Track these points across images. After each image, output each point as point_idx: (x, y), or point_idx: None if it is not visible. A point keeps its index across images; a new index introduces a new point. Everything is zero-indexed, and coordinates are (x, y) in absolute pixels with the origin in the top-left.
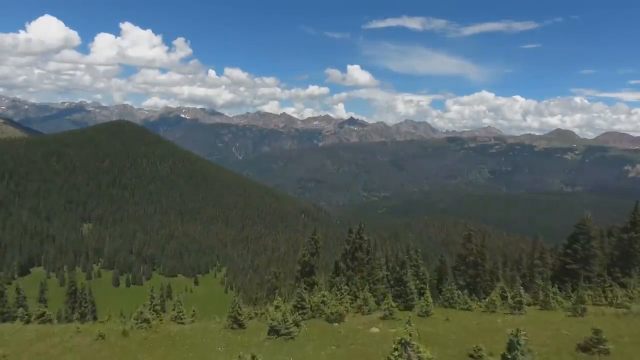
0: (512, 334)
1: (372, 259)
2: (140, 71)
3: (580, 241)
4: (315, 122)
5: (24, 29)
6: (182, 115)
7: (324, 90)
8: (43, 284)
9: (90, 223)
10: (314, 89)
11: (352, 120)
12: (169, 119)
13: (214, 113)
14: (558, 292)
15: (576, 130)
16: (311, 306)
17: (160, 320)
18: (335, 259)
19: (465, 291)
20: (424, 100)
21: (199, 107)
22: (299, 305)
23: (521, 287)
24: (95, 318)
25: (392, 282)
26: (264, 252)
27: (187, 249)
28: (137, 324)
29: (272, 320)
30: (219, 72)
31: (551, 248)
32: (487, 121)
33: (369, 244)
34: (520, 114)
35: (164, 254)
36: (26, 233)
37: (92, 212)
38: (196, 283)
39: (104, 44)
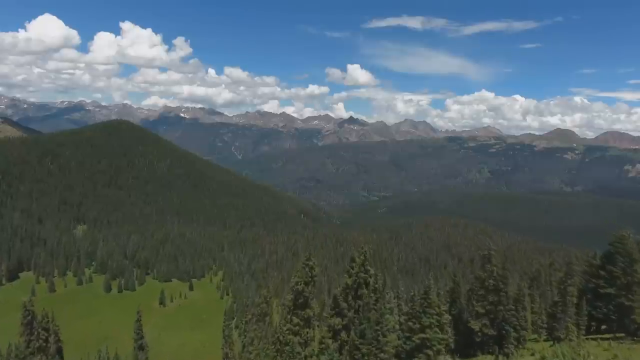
0: None
1: (381, 298)
2: (140, 70)
3: (619, 263)
4: (315, 122)
5: (24, 27)
6: (182, 115)
7: (324, 89)
8: None
9: (84, 225)
10: (313, 88)
11: (351, 120)
12: (169, 118)
13: (213, 112)
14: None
15: (576, 130)
16: None
17: None
18: (334, 293)
19: (485, 321)
20: (423, 99)
21: (198, 106)
22: None
23: None
24: (59, 353)
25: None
26: (261, 255)
27: (183, 252)
28: None
29: None
30: (219, 71)
31: (571, 261)
32: (487, 120)
33: (376, 279)
34: (520, 114)
35: (158, 258)
36: (16, 236)
37: (87, 214)
38: (191, 288)
39: (104, 43)
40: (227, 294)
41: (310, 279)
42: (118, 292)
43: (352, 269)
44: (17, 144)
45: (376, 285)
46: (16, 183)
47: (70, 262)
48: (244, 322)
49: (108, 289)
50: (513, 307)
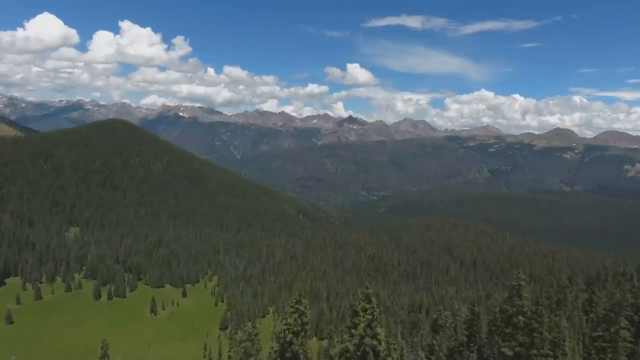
0: None
1: None
2: (139, 69)
3: None
4: (314, 121)
5: (23, 26)
6: (181, 114)
7: (324, 88)
8: None
9: (77, 227)
10: (313, 88)
11: (351, 119)
12: (168, 117)
13: (212, 111)
14: None
15: (575, 129)
16: None
17: None
18: (330, 354)
19: None
20: (423, 99)
21: (197, 105)
22: None
23: None
24: None
25: None
26: (258, 258)
27: (177, 256)
28: None
29: None
30: (218, 71)
31: (621, 295)
32: (486, 120)
33: (388, 349)
34: (520, 113)
35: (151, 262)
36: (3, 240)
37: (80, 215)
38: (184, 294)
39: (103, 42)
40: (222, 301)
41: (300, 327)
42: (108, 299)
43: (355, 327)
44: (10, 143)
45: (388, 359)
46: (7, 184)
47: (60, 267)
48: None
49: (97, 295)
50: (551, 352)
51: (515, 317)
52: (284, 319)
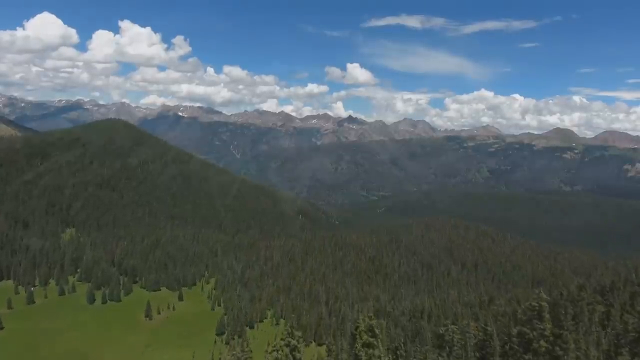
0: None
1: None
2: (139, 69)
3: None
4: (314, 121)
5: (22, 26)
6: (180, 114)
7: (323, 88)
8: None
9: (73, 228)
10: (313, 87)
11: (350, 119)
12: (167, 117)
13: (212, 111)
14: None
15: (575, 129)
16: None
17: None
18: None
19: None
20: (422, 98)
21: (197, 105)
22: None
23: None
24: None
25: None
26: (256, 261)
27: (173, 258)
28: None
29: None
30: (218, 70)
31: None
32: (486, 120)
33: None
34: (519, 113)
35: (147, 265)
36: None
37: (76, 217)
38: (181, 298)
39: (103, 42)
40: (219, 305)
41: None
42: (102, 303)
43: None
44: (6, 143)
45: None
46: (2, 185)
47: (53, 270)
48: None
49: (91, 299)
50: None
51: (536, 341)
52: (274, 350)
